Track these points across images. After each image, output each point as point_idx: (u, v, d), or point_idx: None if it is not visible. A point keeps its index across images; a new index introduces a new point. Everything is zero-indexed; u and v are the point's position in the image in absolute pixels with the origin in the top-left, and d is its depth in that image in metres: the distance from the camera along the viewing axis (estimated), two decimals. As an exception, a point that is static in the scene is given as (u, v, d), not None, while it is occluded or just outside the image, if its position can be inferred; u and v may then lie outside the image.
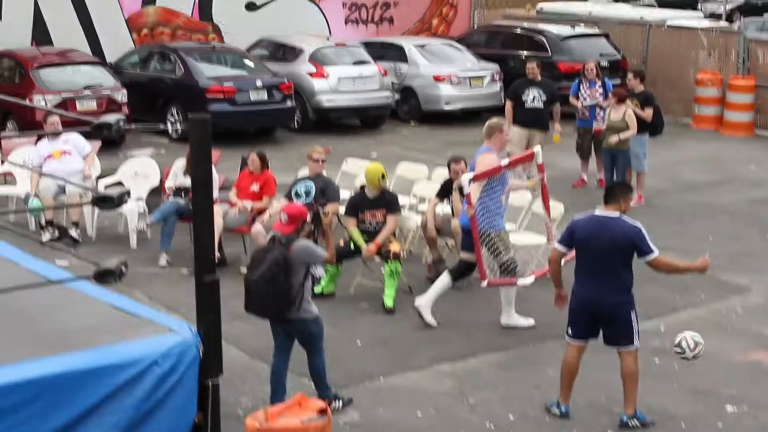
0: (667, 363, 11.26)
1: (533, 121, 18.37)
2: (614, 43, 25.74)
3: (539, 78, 18.55)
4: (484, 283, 12.00)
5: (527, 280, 12.07)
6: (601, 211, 9.77)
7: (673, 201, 17.98)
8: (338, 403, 10.09)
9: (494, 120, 12.62)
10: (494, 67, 24.90)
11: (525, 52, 25.06)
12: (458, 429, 9.86)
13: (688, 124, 24.75)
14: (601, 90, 18.62)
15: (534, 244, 13.81)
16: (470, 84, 24.51)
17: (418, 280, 13.45)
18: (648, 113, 17.53)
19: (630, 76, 18.34)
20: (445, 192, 13.81)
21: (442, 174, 15.03)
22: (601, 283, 9.70)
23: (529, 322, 12.28)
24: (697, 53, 25.30)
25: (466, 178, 11.82)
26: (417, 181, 15.83)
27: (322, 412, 8.61)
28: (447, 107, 24.44)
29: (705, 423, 10.01)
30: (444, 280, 12.23)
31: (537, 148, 12.76)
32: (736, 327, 12.41)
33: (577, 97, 18.76)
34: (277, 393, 9.87)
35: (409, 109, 24.82)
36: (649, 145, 17.88)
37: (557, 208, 14.50)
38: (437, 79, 24.32)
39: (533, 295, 12.50)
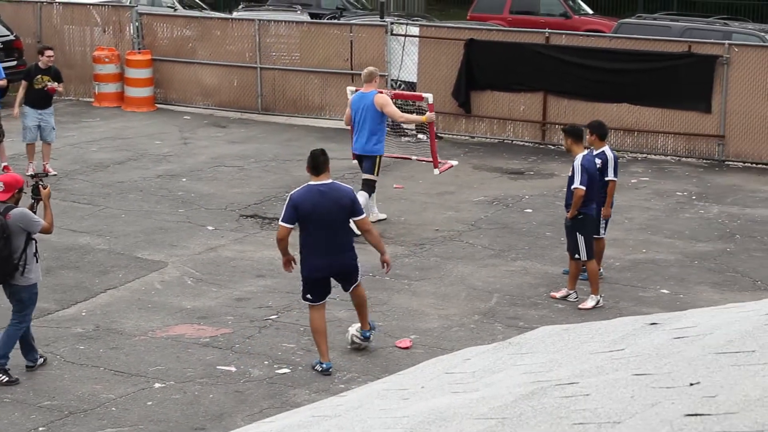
0: (91, 348, 11.22)
1: None
2: (5, 22, 24.97)
3: None
4: (436, 171, 16.45)
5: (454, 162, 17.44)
6: (319, 182, 10.60)
7: (83, 182, 17.87)
8: (3, 377, 10.44)
9: (371, 67, 15.69)
10: None
11: None
12: None
13: (89, 102, 24.69)
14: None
15: None
16: None
17: None
18: (63, 87, 18.50)
19: (49, 51, 18.41)
20: None
21: None
22: (337, 246, 10.59)
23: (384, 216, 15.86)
24: (92, 30, 25.27)
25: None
26: None
27: None
28: None
29: (136, 403, 10.09)
30: (365, 195, 14.90)
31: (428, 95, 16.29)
32: (156, 303, 12.62)
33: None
34: (24, 347, 10.64)
35: None
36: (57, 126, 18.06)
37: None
38: None
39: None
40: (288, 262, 10.89)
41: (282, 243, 10.71)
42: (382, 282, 13.37)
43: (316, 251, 10.60)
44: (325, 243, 10.59)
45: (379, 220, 15.57)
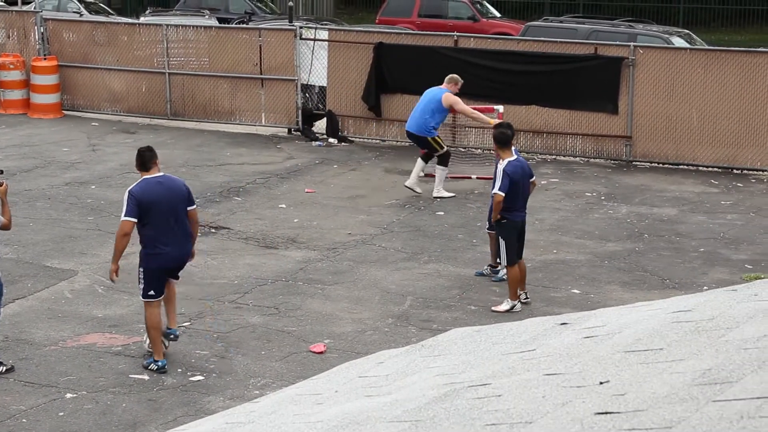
0: (1, 359, 11.02)
1: None
2: None
3: None
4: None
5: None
6: (152, 175, 10.70)
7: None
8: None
9: (455, 74, 17.44)
10: None
11: None
12: None
13: (-5, 109, 24.29)
14: None
15: None
16: None
17: None
18: None
19: None
20: None
21: None
22: (182, 235, 10.69)
23: (451, 194, 17.56)
24: (-4, 36, 24.87)
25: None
26: None
27: None
28: None
29: (47, 415, 9.94)
30: (442, 169, 17.54)
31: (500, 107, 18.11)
32: (67, 312, 12.45)
33: None
34: None
35: None
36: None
37: None
38: None
39: None
40: (118, 269, 10.88)
41: (126, 239, 10.70)
42: (296, 287, 13.34)
43: (169, 242, 10.69)
44: (175, 232, 10.71)
45: (441, 197, 17.53)
